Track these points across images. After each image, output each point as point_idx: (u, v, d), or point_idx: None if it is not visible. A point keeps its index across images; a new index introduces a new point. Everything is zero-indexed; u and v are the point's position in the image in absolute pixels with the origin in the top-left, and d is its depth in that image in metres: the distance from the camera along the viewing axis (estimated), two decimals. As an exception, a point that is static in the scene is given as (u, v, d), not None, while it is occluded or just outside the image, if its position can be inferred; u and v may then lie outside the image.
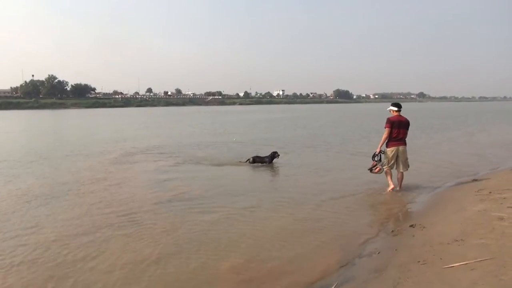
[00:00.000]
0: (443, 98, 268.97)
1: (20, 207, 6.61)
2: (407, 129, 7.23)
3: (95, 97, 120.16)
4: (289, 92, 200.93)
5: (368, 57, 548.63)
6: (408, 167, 7.30)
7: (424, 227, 5.05)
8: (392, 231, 5.22)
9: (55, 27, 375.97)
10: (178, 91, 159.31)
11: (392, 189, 7.27)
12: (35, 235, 5.28)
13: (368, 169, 7.67)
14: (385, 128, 7.15)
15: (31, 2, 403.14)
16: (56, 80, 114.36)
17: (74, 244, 4.92)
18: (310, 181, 8.49)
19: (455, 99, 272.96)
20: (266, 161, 10.59)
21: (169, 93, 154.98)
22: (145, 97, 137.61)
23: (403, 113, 7.35)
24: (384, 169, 7.29)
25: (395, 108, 7.23)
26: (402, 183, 7.39)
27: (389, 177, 7.30)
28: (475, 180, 7.97)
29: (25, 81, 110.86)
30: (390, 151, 7.14)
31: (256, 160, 10.64)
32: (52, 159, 12.32)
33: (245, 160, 10.79)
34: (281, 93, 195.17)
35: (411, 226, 5.19)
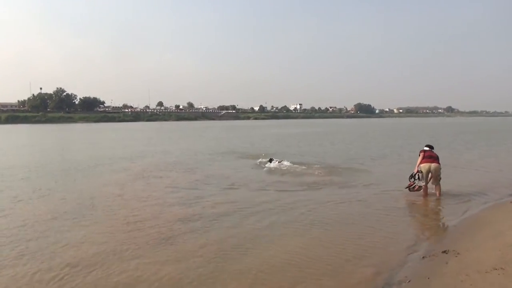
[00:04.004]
0: (473, 113, 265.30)
1: (47, 222, 6.87)
2: (437, 160, 8.70)
3: (104, 111, 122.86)
4: (306, 106, 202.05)
5: (390, 69, 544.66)
6: (440, 180, 8.58)
7: (458, 253, 4.92)
8: (424, 257, 5.10)
9: (66, 40, 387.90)
10: (190, 105, 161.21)
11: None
12: (64, 250, 5.50)
13: (406, 188, 8.84)
14: (419, 154, 8.93)
15: (41, 14, 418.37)
16: (64, 94, 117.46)
17: (104, 259, 5.10)
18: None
19: (487, 114, 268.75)
20: None
21: (180, 107, 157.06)
22: (155, 111, 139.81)
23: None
24: (422, 186, 8.60)
25: (427, 149, 8.96)
26: (441, 192, 8.60)
27: (424, 193, 8.63)
28: (513, 202, 7.77)
29: (33, 94, 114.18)
30: (423, 167, 8.62)
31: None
32: (82, 171, 13.26)
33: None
34: (298, 107, 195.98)
35: (444, 252, 5.07)
